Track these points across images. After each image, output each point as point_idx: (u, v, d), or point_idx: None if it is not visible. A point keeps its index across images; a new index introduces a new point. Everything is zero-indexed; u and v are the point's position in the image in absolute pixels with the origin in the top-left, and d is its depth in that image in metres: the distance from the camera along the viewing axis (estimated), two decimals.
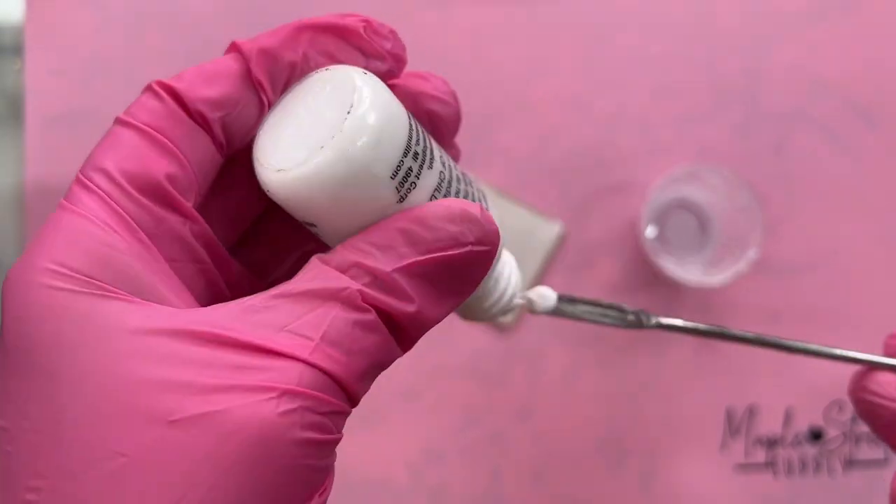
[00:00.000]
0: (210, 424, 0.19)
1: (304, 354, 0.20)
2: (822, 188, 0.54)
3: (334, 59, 0.23)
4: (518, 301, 0.27)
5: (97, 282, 0.20)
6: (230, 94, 0.22)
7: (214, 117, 0.22)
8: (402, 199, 0.22)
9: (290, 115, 0.23)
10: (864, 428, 0.53)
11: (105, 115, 0.24)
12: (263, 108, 0.23)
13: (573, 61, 0.53)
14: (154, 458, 0.19)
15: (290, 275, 0.22)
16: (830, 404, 0.53)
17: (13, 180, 0.51)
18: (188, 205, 0.22)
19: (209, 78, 0.22)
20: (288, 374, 0.19)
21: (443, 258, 0.21)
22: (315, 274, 0.21)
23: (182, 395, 0.19)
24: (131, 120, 0.22)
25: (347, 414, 0.21)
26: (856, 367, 0.32)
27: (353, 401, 0.21)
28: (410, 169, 0.21)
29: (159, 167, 0.21)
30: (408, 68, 0.24)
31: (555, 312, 0.28)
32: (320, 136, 0.21)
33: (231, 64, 0.23)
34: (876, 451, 0.54)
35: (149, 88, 0.22)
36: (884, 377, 0.31)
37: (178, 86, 0.22)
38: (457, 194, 0.23)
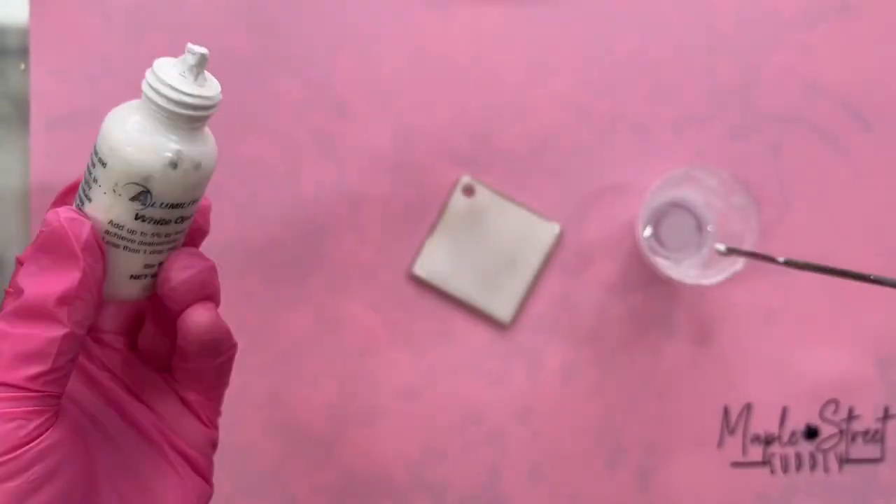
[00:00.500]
0: None
1: None
2: (817, 189, 0.54)
3: None
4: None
5: None
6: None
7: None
8: None
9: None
10: (859, 426, 0.54)
11: None
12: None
13: (572, 63, 0.53)
14: None
15: None
16: (826, 403, 0.54)
17: (18, 181, 0.52)
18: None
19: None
20: None
21: None
22: None
23: None
24: None
25: None
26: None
27: None
28: None
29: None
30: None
31: None
32: None
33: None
34: (871, 449, 0.54)
35: None
36: None
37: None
38: None
